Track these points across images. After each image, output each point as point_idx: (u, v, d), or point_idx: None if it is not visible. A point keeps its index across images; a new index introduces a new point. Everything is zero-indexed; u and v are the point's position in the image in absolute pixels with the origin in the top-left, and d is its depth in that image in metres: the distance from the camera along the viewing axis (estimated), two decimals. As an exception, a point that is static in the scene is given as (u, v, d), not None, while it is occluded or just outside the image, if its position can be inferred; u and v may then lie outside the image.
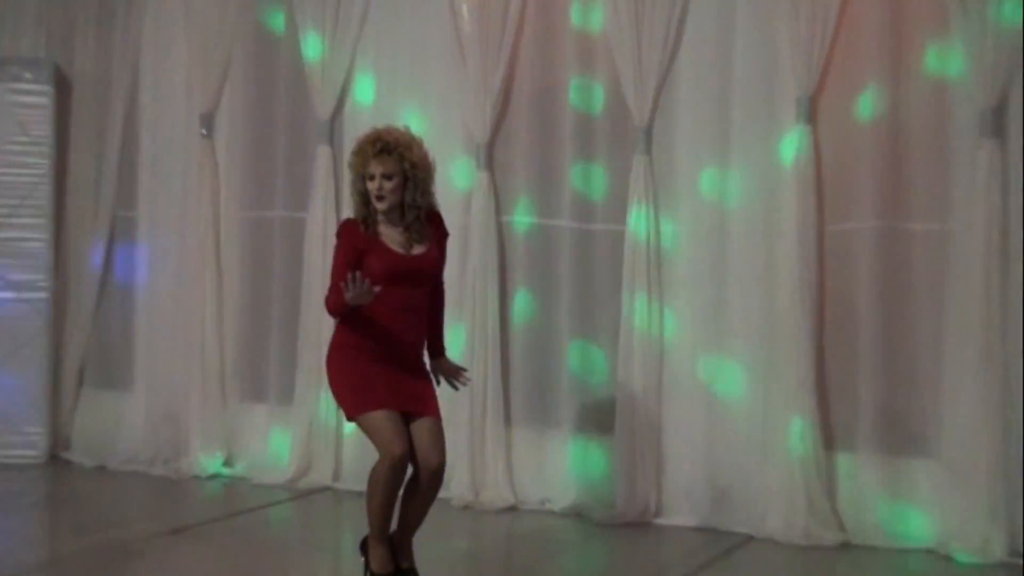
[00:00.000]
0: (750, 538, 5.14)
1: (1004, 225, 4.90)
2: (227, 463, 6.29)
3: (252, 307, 6.33)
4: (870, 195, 5.11)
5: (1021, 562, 4.74)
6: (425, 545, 4.23)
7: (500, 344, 5.70)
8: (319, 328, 5.81)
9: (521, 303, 5.75)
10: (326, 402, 5.92)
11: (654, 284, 5.42)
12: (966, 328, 4.92)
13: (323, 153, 6.03)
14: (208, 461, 6.22)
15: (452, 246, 5.58)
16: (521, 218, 5.76)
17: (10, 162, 6.38)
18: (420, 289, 4.17)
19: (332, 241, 4.28)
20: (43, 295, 6.39)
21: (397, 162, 4.07)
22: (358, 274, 3.88)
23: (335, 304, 4.02)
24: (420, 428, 4.08)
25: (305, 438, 6.03)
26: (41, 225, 6.43)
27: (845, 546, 5.04)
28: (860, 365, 5.14)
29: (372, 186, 4.07)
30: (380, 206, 4.08)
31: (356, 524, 4.20)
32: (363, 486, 5.39)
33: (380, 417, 4.00)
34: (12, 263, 6.36)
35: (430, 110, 5.82)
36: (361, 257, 4.06)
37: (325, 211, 6.03)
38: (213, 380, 6.31)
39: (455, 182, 5.78)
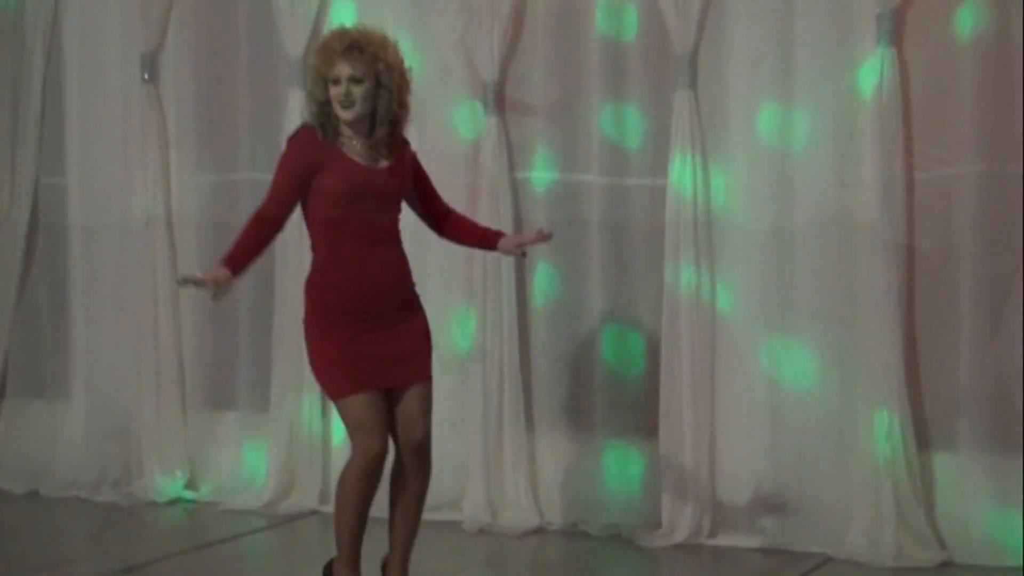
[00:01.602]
0: (827, 559, 5.37)
1: None
2: (189, 485, 6.60)
3: (214, 293, 6.64)
4: (971, 133, 5.27)
5: None
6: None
7: (518, 331, 5.91)
8: (298, 317, 5.98)
9: (542, 280, 5.97)
10: (309, 407, 6.34)
11: (703, 251, 5.62)
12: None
13: (295, 98, 6.18)
14: (166, 483, 6.53)
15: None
16: (540, 173, 5.95)
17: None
18: (388, 215, 4.44)
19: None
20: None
21: (369, 64, 4.29)
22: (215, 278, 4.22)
23: (236, 243, 4.34)
24: (405, 397, 4.42)
25: (285, 452, 6.36)
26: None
27: (946, 566, 5.27)
28: (961, 345, 5.37)
29: (337, 91, 4.29)
30: (346, 115, 4.31)
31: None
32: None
33: (360, 404, 4.31)
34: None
35: (425, 42, 6.03)
36: (312, 174, 4.33)
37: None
38: (170, 385, 6.62)
39: (458, 131, 6.08)
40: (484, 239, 4.71)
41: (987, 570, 5.25)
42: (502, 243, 4.68)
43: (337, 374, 4.41)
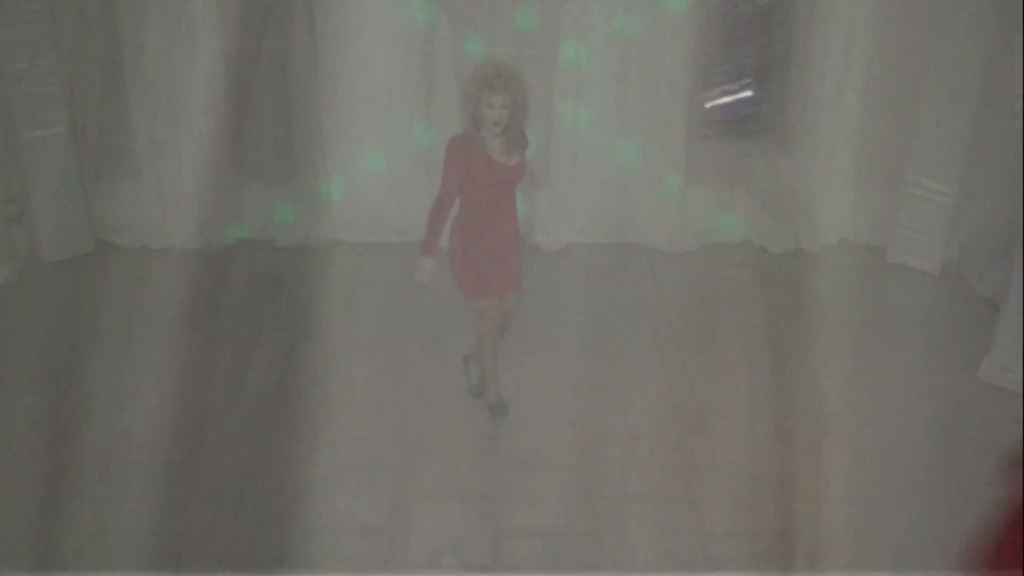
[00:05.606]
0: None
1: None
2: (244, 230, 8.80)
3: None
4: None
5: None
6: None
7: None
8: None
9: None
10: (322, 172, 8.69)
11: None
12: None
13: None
14: (232, 230, 8.76)
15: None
16: (472, 47, 8.14)
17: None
18: (511, 189, 5.96)
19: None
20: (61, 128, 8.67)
21: (512, 94, 5.75)
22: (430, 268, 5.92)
23: (427, 232, 5.93)
24: (506, 299, 6.30)
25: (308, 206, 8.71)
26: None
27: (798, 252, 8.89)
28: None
29: (492, 114, 5.72)
30: (497, 130, 5.76)
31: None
32: (355, 236, 8.81)
33: (486, 302, 6.17)
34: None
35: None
36: (465, 171, 5.77)
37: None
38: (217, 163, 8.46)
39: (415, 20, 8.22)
40: None
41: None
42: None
43: (472, 279, 6.09)
